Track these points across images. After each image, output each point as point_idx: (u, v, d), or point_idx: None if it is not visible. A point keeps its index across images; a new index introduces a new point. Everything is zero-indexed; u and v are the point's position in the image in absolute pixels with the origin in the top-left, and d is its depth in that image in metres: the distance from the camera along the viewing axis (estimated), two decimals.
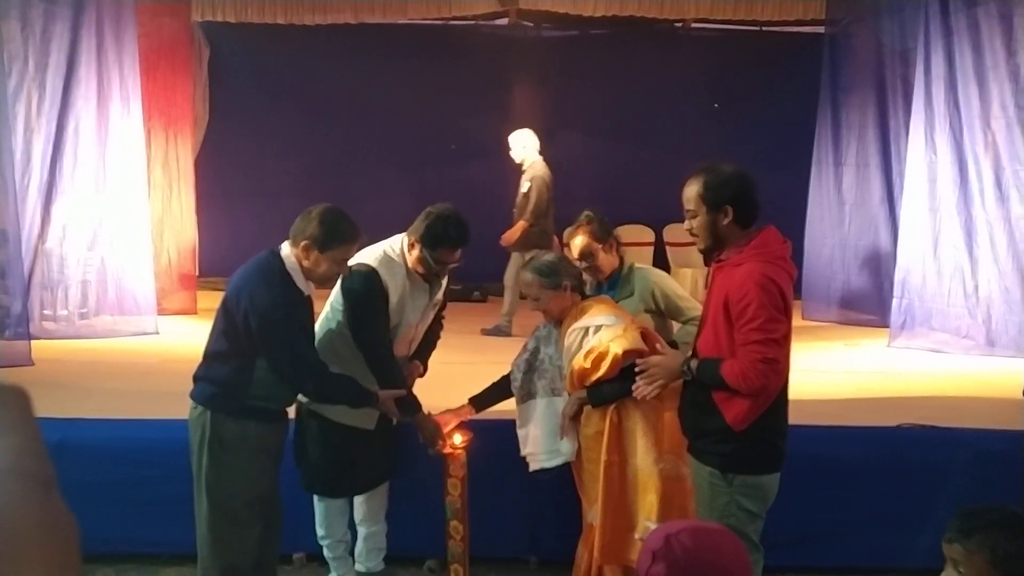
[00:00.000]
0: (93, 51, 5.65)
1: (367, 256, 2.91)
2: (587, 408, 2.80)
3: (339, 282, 2.92)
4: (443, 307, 3.24)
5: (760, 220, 2.43)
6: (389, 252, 2.95)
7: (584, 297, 2.94)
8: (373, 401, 2.77)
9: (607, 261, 3.07)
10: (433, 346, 3.24)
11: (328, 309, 3.02)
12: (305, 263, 2.60)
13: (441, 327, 3.28)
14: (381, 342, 2.90)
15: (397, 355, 3.00)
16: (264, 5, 6.75)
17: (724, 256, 2.42)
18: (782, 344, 2.31)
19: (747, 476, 2.38)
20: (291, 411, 2.89)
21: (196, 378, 2.69)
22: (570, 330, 2.83)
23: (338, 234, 2.59)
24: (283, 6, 6.78)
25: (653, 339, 2.80)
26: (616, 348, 2.67)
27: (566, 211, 7.54)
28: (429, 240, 2.86)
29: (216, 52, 7.40)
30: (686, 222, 2.44)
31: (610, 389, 2.71)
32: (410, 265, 2.93)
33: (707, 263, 2.58)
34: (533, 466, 2.95)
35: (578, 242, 3.07)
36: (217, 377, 2.61)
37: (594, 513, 2.79)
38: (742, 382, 2.27)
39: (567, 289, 2.86)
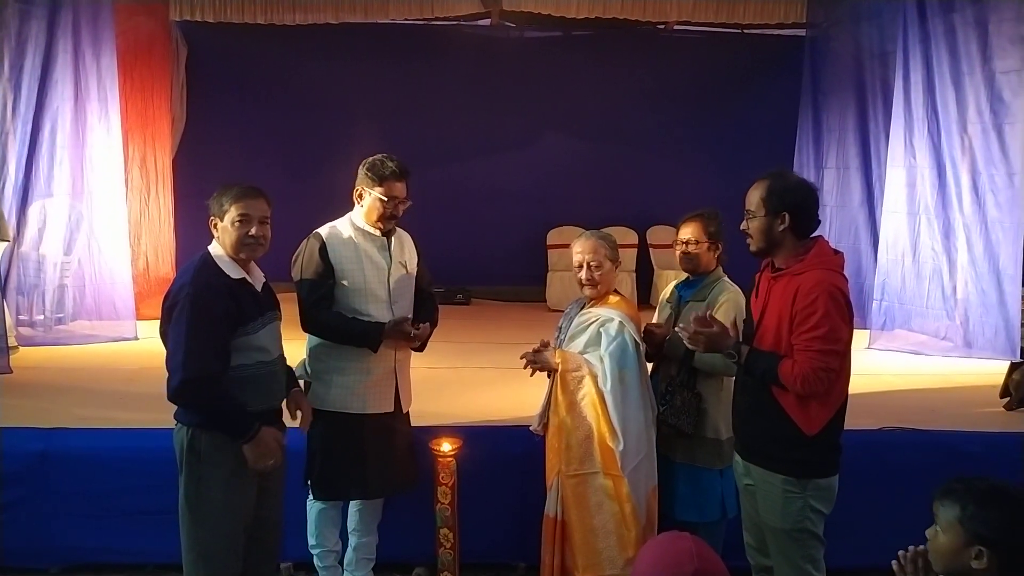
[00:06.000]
0: (69, 52, 5.56)
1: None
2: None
3: None
4: (428, 283, 3.25)
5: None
6: (336, 221, 3.08)
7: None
8: (245, 426, 2.51)
9: (704, 259, 3.10)
10: (432, 310, 3.20)
11: None
12: (220, 240, 2.60)
13: (434, 302, 3.26)
14: (313, 301, 2.94)
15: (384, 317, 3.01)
16: (243, 4, 6.68)
17: (782, 265, 2.47)
18: (843, 353, 2.39)
19: (819, 480, 2.44)
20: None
21: None
22: (588, 311, 2.98)
23: (227, 194, 2.60)
24: (262, 5, 6.72)
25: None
26: (558, 359, 2.93)
27: (549, 212, 7.69)
28: (374, 179, 2.97)
29: (194, 52, 7.32)
30: (743, 222, 2.49)
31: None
32: (364, 219, 3.03)
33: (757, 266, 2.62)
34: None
35: (687, 229, 3.13)
36: None
37: (550, 504, 2.95)
38: (800, 385, 2.34)
39: (617, 267, 3.03)
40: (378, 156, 3.03)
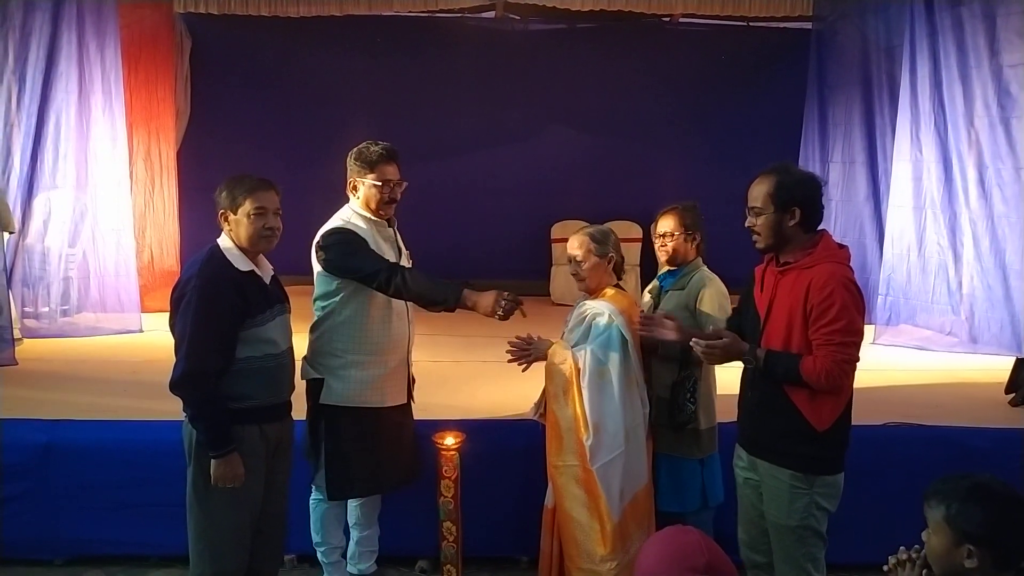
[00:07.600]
0: (74, 44, 5.57)
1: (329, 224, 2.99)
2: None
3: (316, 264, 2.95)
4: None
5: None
6: (343, 215, 3.00)
7: (619, 279, 3.05)
8: (224, 441, 2.51)
9: (682, 249, 3.13)
10: None
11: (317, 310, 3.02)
12: (232, 234, 2.60)
13: None
14: (385, 266, 2.87)
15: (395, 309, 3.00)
16: None
17: (790, 259, 2.44)
18: (860, 345, 2.37)
19: (827, 476, 2.43)
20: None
21: None
22: (584, 303, 2.99)
23: (240, 187, 2.59)
24: None
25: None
26: (551, 351, 2.95)
27: (553, 206, 7.67)
28: (364, 166, 2.95)
29: (198, 44, 7.31)
30: (748, 219, 2.45)
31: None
32: (363, 209, 2.98)
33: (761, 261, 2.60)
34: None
35: (664, 222, 3.16)
36: None
37: (548, 494, 2.98)
38: (824, 380, 2.31)
39: (610, 262, 2.97)
40: (363, 143, 3.00)
